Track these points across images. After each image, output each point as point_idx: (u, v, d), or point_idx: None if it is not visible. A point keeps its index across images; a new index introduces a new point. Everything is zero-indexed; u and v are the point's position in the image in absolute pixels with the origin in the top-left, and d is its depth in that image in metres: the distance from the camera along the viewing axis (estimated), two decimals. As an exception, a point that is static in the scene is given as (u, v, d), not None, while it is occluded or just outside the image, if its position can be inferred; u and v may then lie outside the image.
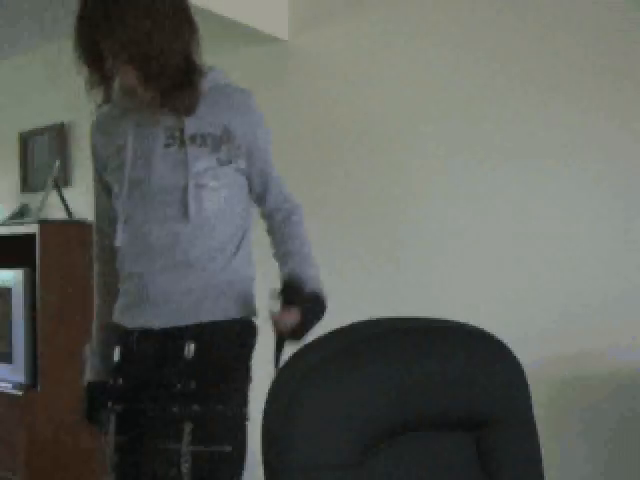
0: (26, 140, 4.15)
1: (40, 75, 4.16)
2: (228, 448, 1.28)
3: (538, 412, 1.05)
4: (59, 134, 3.93)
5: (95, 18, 1.25)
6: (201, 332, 1.34)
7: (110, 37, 1.25)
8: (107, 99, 1.43)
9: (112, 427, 1.37)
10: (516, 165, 2.40)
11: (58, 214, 3.66)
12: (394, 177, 2.69)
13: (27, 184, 4.16)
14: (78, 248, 3.49)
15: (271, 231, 1.53)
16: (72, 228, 3.52)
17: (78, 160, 3.91)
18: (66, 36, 4.08)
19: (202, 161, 1.35)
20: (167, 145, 1.36)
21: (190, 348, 1.32)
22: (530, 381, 1.00)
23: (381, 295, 2.72)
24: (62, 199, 3.61)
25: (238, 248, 1.44)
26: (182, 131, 1.36)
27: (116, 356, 1.44)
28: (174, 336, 1.34)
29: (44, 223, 3.34)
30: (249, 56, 3.14)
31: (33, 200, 3.98)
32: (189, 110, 1.36)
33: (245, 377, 1.39)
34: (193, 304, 1.35)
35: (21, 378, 3.29)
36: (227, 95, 1.43)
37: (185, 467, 1.24)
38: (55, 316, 3.34)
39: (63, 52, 4.02)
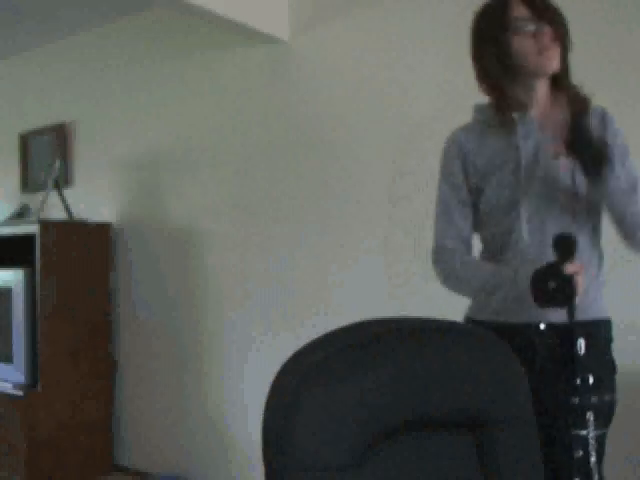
0: (26, 140, 4.16)
1: (40, 75, 4.16)
2: (606, 431, 1.50)
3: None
4: (59, 134, 3.93)
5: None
6: (589, 328, 1.49)
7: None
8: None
9: None
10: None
11: (58, 214, 3.66)
12: (395, 176, 2.69)
13: (27, 184, 4.16)
14: (78, 248, 3.49)
15: None
16: (72, 228, 3.52)
17: (78, 160, 3.91)
18: (66, 37, 4.09)
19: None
20: (553, 157, 1.53)
21: (581, 344, 1.45)
22: (530, 381, 1.00)
23: (381, 294, 2.72)
24: (62, 199, 3.62)
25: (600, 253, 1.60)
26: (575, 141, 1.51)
27: None
28: (566, 331, 1.46)
29: (44, 223, 3.34)
30: (249, 56, 3.14)
31: (33, 200, 3.98)
32: None
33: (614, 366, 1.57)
34: (581, 301, 1.45)
35: (21, 378, 3.29)
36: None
37: (593, 450, 1.42)
38: (55, 316, 3.35)
39: (62, 52, 4.03)
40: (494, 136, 1.63)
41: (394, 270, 2.70)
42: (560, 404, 1.45)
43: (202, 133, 3.33)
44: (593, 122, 1.51)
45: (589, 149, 1.45)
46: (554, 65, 1.52)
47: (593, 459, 1.40)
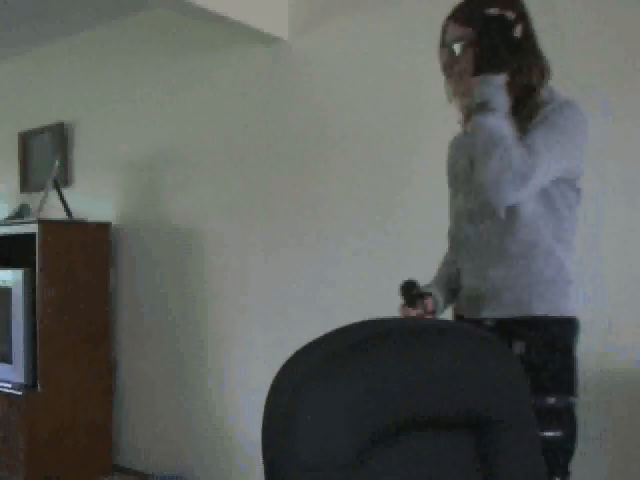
0: (26, 140, 4.16)
1: (40, 75, 4.16)
2: (559, 434, 1.47)
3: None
4: (59, 134, 3.93)
5: None
6: (539, 327, 1.50)
7: None
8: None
9: None
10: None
11: (58, 214, 3.66)
12: (394, 177, 2.70)
13: (27, 184, 4.16)
14: (78, 248, 3.49)
15: None
16: (72, 228, 3.52)
17: (78, 160, 3.91)
18: (66, 36, 4.09)
19: None
20: None
21: (521, 346, 1.46)
22: (530, 381, 1.00)
23: (382, 294, 2.71)
24: (62, 199, 3.61)
25: None
26: None
27: None
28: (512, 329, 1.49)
29: (44, 223, 3.34)
30: (249, 56, 3.14)
31: (33, 200, 3.98)
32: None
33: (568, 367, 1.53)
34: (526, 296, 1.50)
35: (21, 378, 3.29)
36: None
37: None
38: (55, 316, 3.34)
39: (62, 52, 4.03)
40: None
41: (396, 270, 2.70)
42: None
43: (202, 133, 3.33)
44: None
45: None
46: (461, 90, 1.55)
47: None
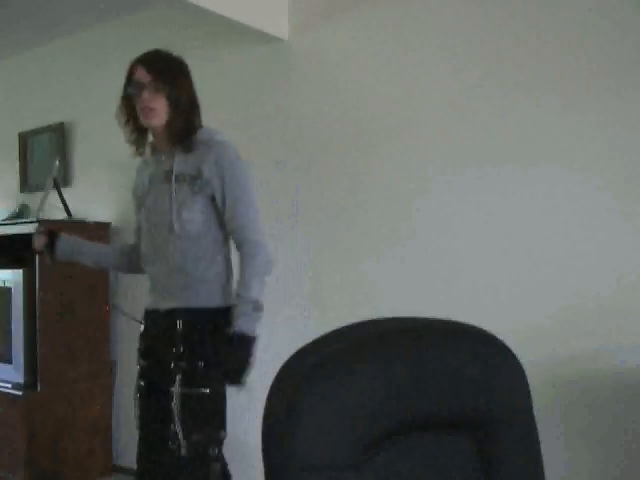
0: (26, 140, 4.15)
1: (40, 75, 4.16)
2: (206, 391, 1.90)
3: (538, 412, 1.05)
4: (59, 134, 3.93)
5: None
6: (187, 314, 1.95)
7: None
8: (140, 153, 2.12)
9: (138, 376, 2.24)
10: (516, 165, 2.40)
11: (58, 214, 3.66)
12: (394, 176, 2.70)
13: (27, 184, 4.16)
14: (78, 248, 3.48)
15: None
16: (72, 228, 3.51)
17: (78, 160, 3.91)
18: (66, 36, 4.08)
19: (181, 192, 1.94)
20: (162, 182, 2.00)
21: (180, 324, 1.94)
22: (530, 381, 1.00)
23: (382, 295, 2.71)
24: (62, 199, 3.61)
25: (215, 257, 1.98)
26: (172, 172, 1.96)
27: (142, 328, 2.16)
28: (171, 315, 1.97)
29: (44, 223, 3.33)
30: (249, 56, 3.14)
31: (33, 200, 3.98)
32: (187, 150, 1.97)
33: (215, 346, 1.91)
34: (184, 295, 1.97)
35: (21, 378, 3.29)
36: (208, 147, 1.94)
37: (174, 403, 1.91)
38: (55, 316, 3.34)
39: (62, 52, 4.03)
40: None
41: (404, 270, 2.70)
42: (168, 367, 1.94)
43: (202, 133, 3.33)
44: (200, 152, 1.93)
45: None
46: (155, 122, 1.93)
47: (177, 410, 1.90)
